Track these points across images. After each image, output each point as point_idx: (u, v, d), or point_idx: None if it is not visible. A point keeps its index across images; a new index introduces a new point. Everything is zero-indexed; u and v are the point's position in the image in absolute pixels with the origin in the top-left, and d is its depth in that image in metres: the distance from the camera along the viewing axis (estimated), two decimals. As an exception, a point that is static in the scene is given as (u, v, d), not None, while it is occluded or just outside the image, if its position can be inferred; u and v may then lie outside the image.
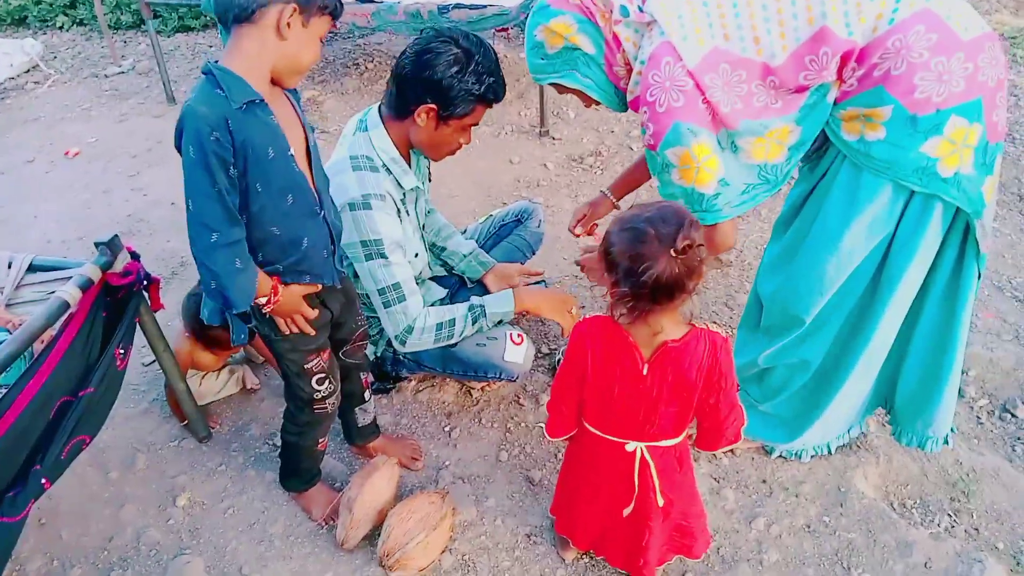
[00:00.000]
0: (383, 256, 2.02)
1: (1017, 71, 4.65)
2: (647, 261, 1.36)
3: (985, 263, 1.83)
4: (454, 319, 2.16)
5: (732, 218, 1.85)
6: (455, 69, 1.88)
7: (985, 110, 1.63)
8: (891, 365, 2.07)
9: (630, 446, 1.64)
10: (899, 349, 2.03)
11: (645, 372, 1.52)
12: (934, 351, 1.96)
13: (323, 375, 1.90)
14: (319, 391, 1.91)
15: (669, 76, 1.68)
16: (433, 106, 1.93)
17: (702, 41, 1.67)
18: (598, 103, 1.97)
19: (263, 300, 1.64)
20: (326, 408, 1.96)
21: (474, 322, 2.19)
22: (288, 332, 1.75)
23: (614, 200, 2.41)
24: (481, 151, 4.15)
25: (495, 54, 1.96)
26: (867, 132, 1.69)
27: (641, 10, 1.74)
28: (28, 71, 5.57)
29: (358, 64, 5.16)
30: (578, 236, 2.46)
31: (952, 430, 2.15)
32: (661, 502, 1.69)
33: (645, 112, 1.75)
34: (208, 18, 5.72)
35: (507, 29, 4.81)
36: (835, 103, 1.72)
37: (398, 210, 2.09)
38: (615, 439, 1.65)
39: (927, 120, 1.62)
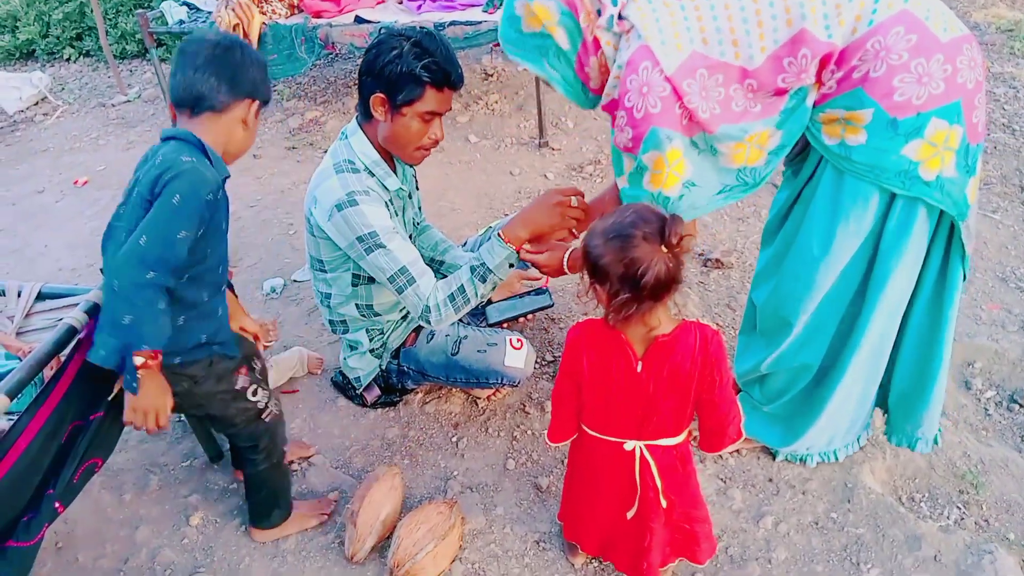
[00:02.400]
0: (381, 246, 2.04)
1: (1015, 64, 4.64)
2: (642, 263, 1.39)
3: (970, 265, 1.82)
4: (462, 285, 2.11)
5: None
6: (394, 54, 1.92)
7: (964, 112, 1.62)
8: (887, 369, 2.07)
9: (628, 445, 1.65)
10: (893, 352, 2.02)
11: (639, 369, 1.54)
12: (922, 354, 1.95)
13: (254, 386, 1.89)
14: (258, 400, 1.90)
15: (646, 81, 1.67)
16: (382, 95, 1.97)
17: (680, 46, 1.66)
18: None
19: (140, 360, 1.55)
20: (272, 411, 1.96)
21: (483, 280, 2.11)
22: (130, 422, 1.64)
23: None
24: (481, 164, 4.19)
25: (442, 41, 1.97)
26: (847, 136, 1.69)
27: (622, 17, 1.73)
28: (37, 103, 5.68)
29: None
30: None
31: (939, 431, 2.13)
32: (664, 503, 1.70)
33: (623, 117, 1.74)
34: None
35: (504, 42, 4.85)
36: (814, 106, 1.72)
37: (386, 205, 2.12)
38: (613, 439, 1.66)
39: (908, 123, 1.62)
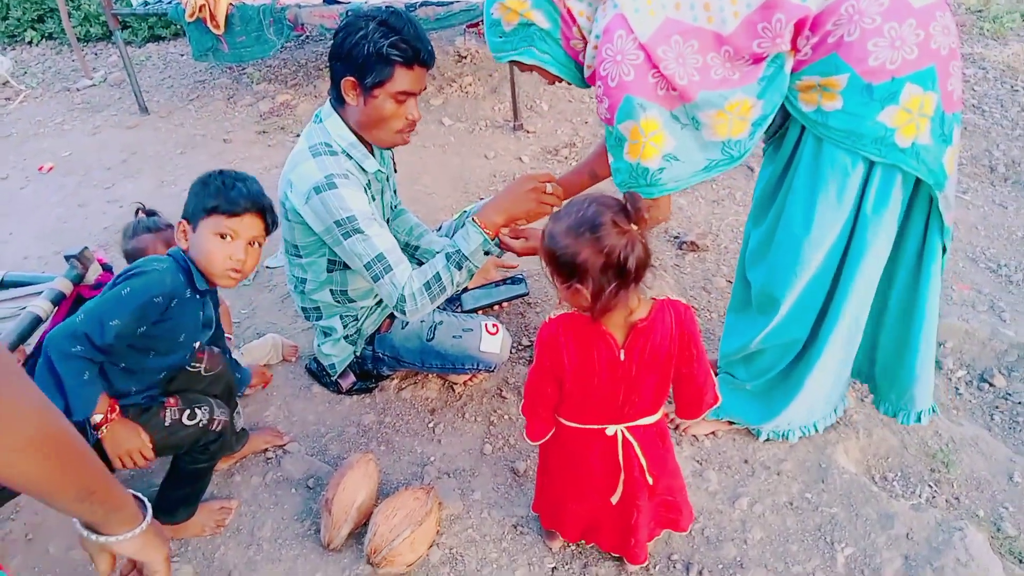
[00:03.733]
0: (359, 231, 2.01)
1: (985, 44, 4.69)
2: (622, 249, 1.37)
3: (951, 235, 1.84)
4: (437, 273, 2.07)
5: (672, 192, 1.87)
6: (360, 35, 1.90)
7: (939, 79, 1.63)
8: (868, 340, 2.09)
9: (610, 430, 1.65)
10: (876, 324, 2.05)
11: (623, 357, 1.54)
12: (903, 325, 1.98)
13: (185, 409, 1.88)
14: (199, 419, 1.89)
15: (621, 50, 1.67)
16: (351, 78, 1.95)
17: (653, 12, 1.66)
18: (559, 79, 1.96)
19: (98, 418, 1.70)
20: (218, 419, 1.94)
21: (459, 267, 2.07)
22: (121, 466, 1.77)
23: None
24: (456, 147, 4.16)
25: (409, 18, 1.96)
26: (824, 102, 1.70)
27: None
28: (-2, 88, 5.54)
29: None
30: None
31: (933, 409, 2.15)
32: (651, 480, 1.71)
33: (600, 86, 1.75)
34: (178, 27, 5.69)
35: (477, 24, 4.81)
36: (791, 73, 1.72)
37: (365, 189, 2.09)
38: (594, 426, 1.66)
39: (882, 88, 1.63)
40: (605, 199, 1.43)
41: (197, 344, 1.91)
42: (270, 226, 1.83)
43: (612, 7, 1.69)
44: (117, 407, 1.75)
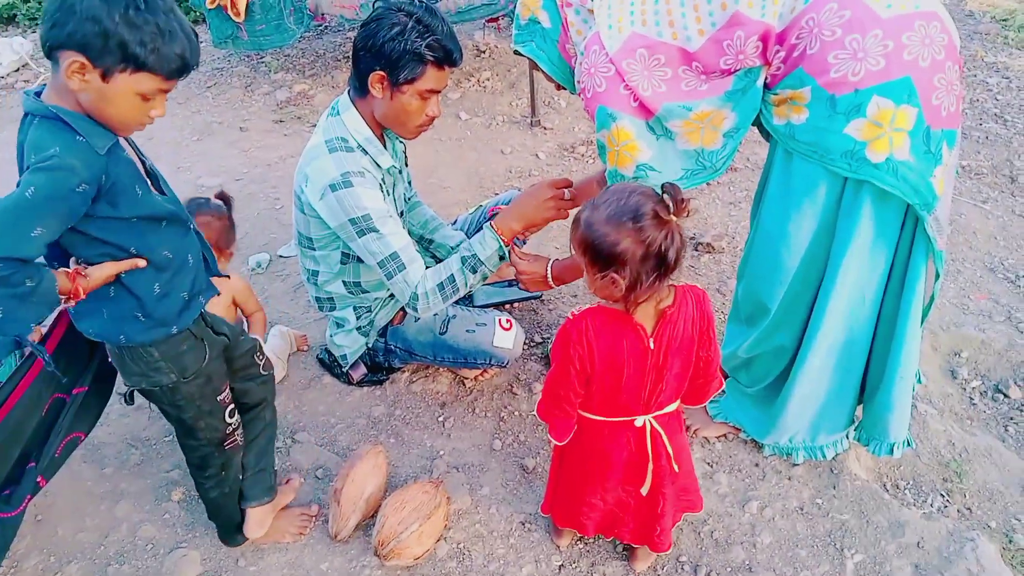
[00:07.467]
0: (374, 230, 2.01)
1: (1008, 53, 4.65)
2: (663, 240, 1.37)
3: (943, 260, 1.76)
4: (452, 274, 2.10)
5: None
6: (395, 31, 1.89)
7: (920, 92, 1.57)
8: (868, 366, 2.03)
9: (639, 421, 1.64)
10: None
11: (652, 346, 1.53)
12: (883, 350, 1.92)
13: (232, 405, 1.82)
14: (231, 424, 1.82)
15: (595, 63, 1.77)
16: (381, 72, 1.95)
17: (622, 28, 1.75)
18: (554, 81, 2.06)
19: (64, 297, 1.43)
20: (236, 440, 1.86)
21: (473, 271, 2.11)
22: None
23: None
24: (472, 142, 4.15)
25: (441, 17, 1.97)
26: (792, 115, 1.70)
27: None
28: (18, 70, 5.56)
29: (348, 57, 5.15)
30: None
31: (908, 442, 2.07)
32: (677, 468, 1.71)
33: (583, 99, 1.87)
34: (198, 14, 5.70)
35: (497, 19, 4.79)
36: (767, 88, 1.73)
37: (380, 186, 2.09)
38: (622, 419, 1.65)
39: (846, 100, 1.60)
40: (645, 189, 1.41)
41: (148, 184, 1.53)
42: None
43: (594, 26, 1.80)
44: (79, 271, 1.45)
